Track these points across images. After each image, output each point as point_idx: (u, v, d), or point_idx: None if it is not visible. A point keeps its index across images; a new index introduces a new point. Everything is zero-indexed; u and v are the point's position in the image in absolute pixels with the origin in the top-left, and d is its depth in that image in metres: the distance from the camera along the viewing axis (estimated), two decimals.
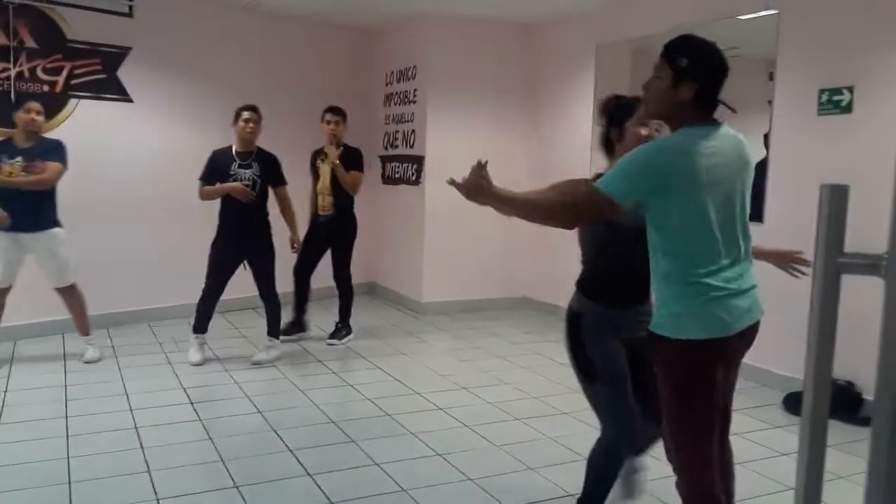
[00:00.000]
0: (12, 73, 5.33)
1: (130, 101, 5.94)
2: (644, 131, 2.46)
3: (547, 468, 3.45)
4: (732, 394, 2.36)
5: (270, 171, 5.01)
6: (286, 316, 5.43)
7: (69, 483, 3.16)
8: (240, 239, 4.94)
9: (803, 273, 2.60)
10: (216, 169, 4.91)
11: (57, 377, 4.65)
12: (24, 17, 5.36)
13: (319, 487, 3.18)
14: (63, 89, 5.59)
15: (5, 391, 4.37)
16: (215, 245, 4.97)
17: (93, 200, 5.73)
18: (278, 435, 3.77)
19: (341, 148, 5.48)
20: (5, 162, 4.56)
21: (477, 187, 2.39)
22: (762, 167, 5.12)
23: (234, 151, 4.95)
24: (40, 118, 4.74)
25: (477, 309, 6.90)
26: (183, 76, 6.14)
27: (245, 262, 5.01)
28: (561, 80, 6.71)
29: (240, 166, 4.90)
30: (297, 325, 5.69)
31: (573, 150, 6.54)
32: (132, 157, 5.81)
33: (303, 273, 5.65)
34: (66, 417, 3.95)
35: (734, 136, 2.18)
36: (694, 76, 2.10)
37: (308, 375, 4.88)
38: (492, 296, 7.03)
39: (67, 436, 3.69)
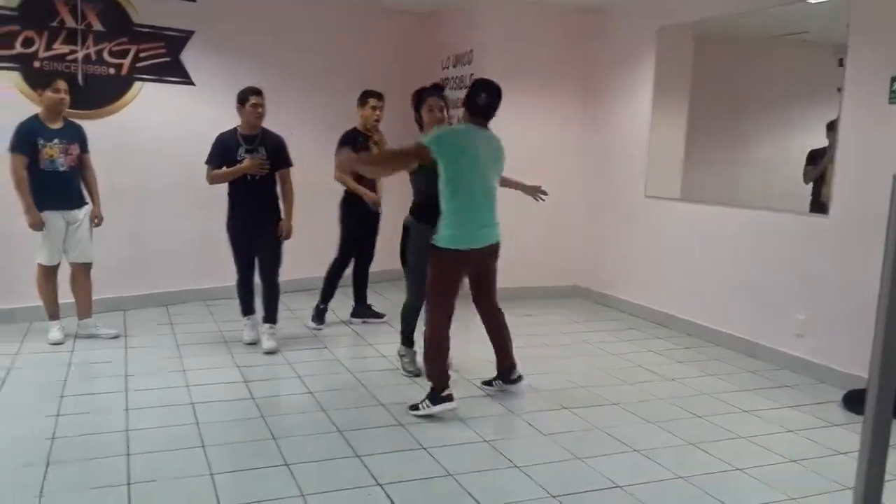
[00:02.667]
0: (80, 55, 5.49)
1: (192, 84, 6.06)
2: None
3: (595, 458, 3.42)
4: None
5: (277, 154, 4.93)
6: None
7: (128, 455, 3.27)
8: (253, 221, 4.90)
9: (543, 198, 4.80)
10: (223, 153, 4.87)
11: (117, 353, 4.81)
12: (92, 0, 5.50)
13: (367, 468, 3.22)
14: (129, 72, 5.73)
15: (69, 364, 4.54)
16: (232, 230, 4.97)
17: (153, 181, 5.89)
18: (328, 415, 3.82)
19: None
20: (42, 143, 4.68)
21: (347, 162, 4.68)
22: (815, 157, 4.97)
23: (238, 135, 4.87)
24: (68, 98, 4.82)
25: (525, 297, 6.85)
26: (243, 60, 6.22)
27: (254, 244, 4.96)
28: (620, 65, 6.58)
29: (246, 151, 4.84)
30: (372, 312, 5.86)
31: (630, 138, 6.42)
32: (192, 138, 5.93)
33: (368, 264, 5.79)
34: (126, 391, 4.09)
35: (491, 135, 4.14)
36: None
37: (358, 357, 4.92)
38: (541, 284, 6.97)
39: (127, 409, 3.82)
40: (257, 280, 5.09)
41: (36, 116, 4.74)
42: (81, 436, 3.47)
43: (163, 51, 5.88)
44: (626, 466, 3.36)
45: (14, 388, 4.09)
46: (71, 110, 5.32)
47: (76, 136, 4.88)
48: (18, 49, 5.23)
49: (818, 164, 5.02)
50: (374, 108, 5.37)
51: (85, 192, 5.00)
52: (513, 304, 6.67)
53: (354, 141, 5.32)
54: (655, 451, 3.52)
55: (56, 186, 4.75)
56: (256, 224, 4.92)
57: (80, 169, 4.93)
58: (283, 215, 4.97)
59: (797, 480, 3.27)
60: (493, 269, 4.24)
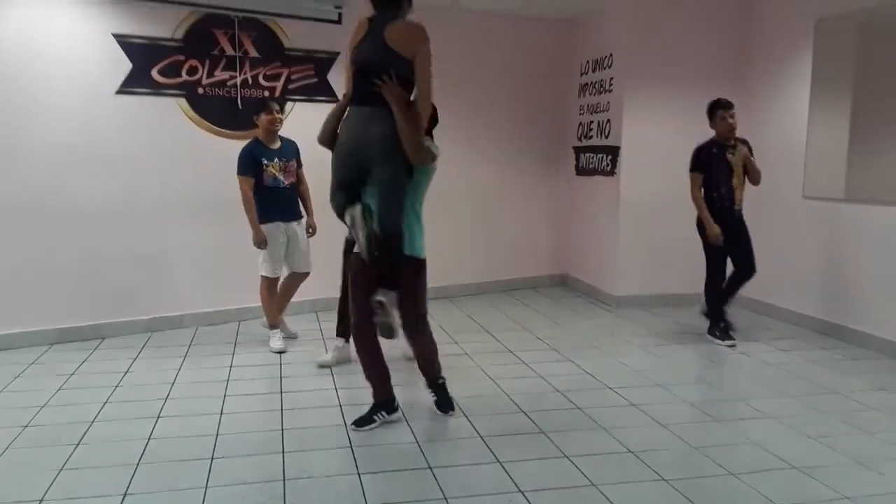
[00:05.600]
0: (238, 80, 5.90)
1: (338, 100, 6.33)
2: None
3: (750, 475, 3.22)
4: None
5: None
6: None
7: (283, 453, 3.45)
8: None
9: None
10: None
11: (273, 356, 5.09)
12: (248, 29, 5.90)
13: (509, 475, 3.21)
14: (281, 93, 6.09)
15: (229, 367, 4.86)
16: None
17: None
18: (470, 421, 3.85)
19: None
20: (266, 163, 5.05)
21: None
22: None
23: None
24: (281, 117, 5.20)
25: (677, 304, 6.60)
26: None
27: None
28: (773, 61, 6.22)
29: None
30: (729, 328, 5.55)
31: (786, 136, 6.04)
32: None
33: (724, 275, 5.52)
34: (281, 393, 4.32)
35: None
36: None
37: (499, 365, 4.92)
38: (694, 291, 6.66)
39: (282, 410, 4.03)
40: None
41: (256, 139, 5.15)
42: (242, 433, 3.71)
43: (311, 72, 6.20)
44: (784, 484, 3.15)
45: (184, 387, 4.43)
46: (229, 131, 5.78)
47: (293, 153, 5.26)
48: (184, 77, 5.70)
49: None
50: (723, 118, 5.29)
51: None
52: (662, 311, 6.46)
53: (709, 154, 5.32)
54: (818, 470, 3.27)
55: (278, 201, 5.14)
56: None
57: (297, 182, 5.29)
58: None
59: None
60: None
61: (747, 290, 5.59)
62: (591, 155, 7.09)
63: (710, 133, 5.42)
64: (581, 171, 7.34)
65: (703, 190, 5.37)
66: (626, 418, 3.92)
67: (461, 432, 3.72)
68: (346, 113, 3.60)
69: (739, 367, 4.89)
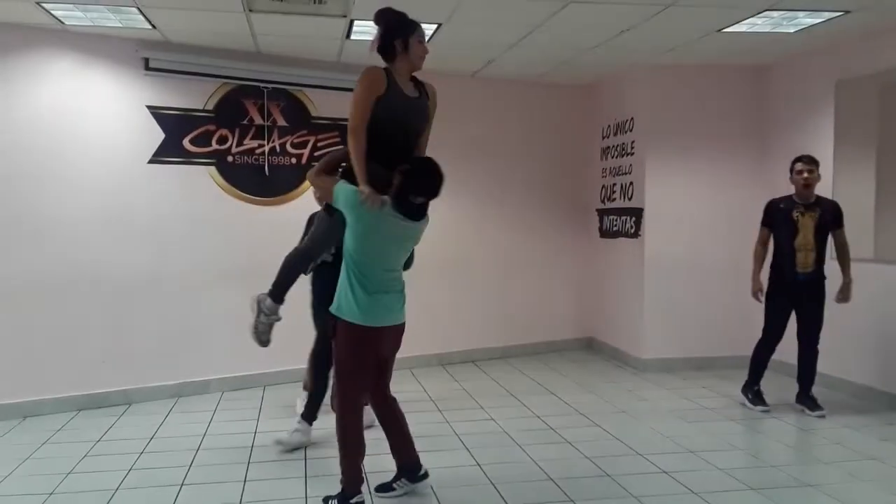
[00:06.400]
0: (266, 148, 6.05)
1: None
2: None
3: None
4: None
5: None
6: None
7: None
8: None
9: None
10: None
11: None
12: (277, 99, 6.08)
13: None
14: (307, 161, 6.22)
15: (255, 432, 4.83)
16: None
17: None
18: (497, 489, 3.77)
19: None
20: None
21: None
22: None
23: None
24: None
25: (705, 367, 6.49)
26: None
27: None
28: (794, 121, 6.25)
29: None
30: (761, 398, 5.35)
31: None
32: None
33: (778, 339, 5.34)
34: (305, 459, 4.28)
35: None
36: None
37: (526, 430, 4.84)
38: (723, 353, 6.56)
39: (306, 477, 3.99)
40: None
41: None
42: (265, 501, 3.66)
43: (337, 139, 6.33)
44: None
45: (209, 454, 4.41)
46: (257, 198, 5.91)
47: None
48: (214, 146, 5.86)
49: None
50: (799, 172, 5.11)
51: None
52: (690, 374, 6.34)
53: (775, 209, 5.24)
54: None
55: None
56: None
57: None
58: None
59: None
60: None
61: (778, 353, 5.46)
62: (615, 217, 7.10)
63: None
64: (605, 233, 7.35)
65: (774, 247, 5.27)
66: (657, 486, 3.82)
67: (489, 502, 3.64)
68: None
69: (773, 433, 4.75)
